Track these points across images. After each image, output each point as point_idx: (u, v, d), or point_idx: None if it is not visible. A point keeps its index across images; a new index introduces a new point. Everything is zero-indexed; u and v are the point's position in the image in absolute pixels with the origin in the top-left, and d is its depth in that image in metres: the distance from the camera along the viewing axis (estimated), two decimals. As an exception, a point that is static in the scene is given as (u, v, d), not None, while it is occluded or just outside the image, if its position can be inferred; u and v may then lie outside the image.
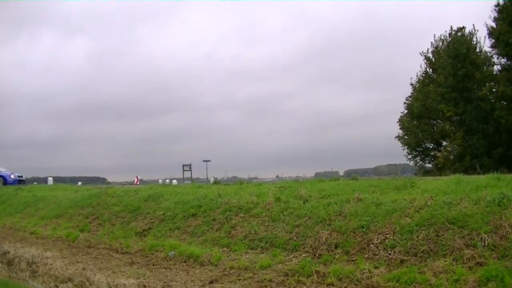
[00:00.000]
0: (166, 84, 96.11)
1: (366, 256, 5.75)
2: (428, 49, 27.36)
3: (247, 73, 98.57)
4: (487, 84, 21.49)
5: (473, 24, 24.16)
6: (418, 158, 27.81)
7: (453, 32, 24.69)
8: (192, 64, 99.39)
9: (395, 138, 27.82)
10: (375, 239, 5.93)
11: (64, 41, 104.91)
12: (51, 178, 31.73)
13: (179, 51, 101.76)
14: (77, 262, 8.33)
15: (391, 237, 5.82)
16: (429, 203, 6.24)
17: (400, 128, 27.83)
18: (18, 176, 25.25)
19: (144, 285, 6.42)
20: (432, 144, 27.39)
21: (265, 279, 5.90)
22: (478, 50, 23.70)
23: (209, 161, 29.61)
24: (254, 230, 7.58)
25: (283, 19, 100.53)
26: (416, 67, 33.60)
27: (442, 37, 26.26)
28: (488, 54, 23.14)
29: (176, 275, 6.80)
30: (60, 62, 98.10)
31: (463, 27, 24.36)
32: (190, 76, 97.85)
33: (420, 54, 27.77)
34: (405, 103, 28.12)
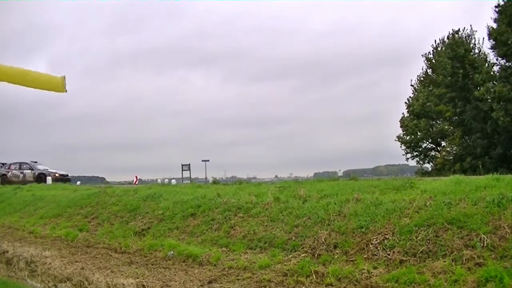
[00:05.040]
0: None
1: (365, 256, 5.75)
2: (429, 51, 27.57)
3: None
4: (485, 85, 21.55)
5: (471, 25, 24.34)
6: (418, 158, 27.88)
7: (452, 34, 24.84)
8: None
9: (396, 137, 27.90)
10: (374, 240, 5.92)
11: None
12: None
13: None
14: (76, 261, 8.32)
15: (390, 238, 5.82)
16: (429, 203, 6.24)
17: (401, 127, 27.93)
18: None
19: (143, 285, 6.42)
20: (431, 145, 27.45)
21: (264, 279, 5.90)
22: (477, 51, 23.84)
23: (208, 160, 29.63)
24: (253, 230, 7.57)
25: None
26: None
27: (443, 39, 26.45)
28: (487, 55, 23.25)
29: (175, 274, 6.79)
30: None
31: (463, 28, 24.52)
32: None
33: (422, 55, 27.97)
34: (405, 103, 28.21)
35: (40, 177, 22.75)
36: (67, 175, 24.60)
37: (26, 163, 24.13)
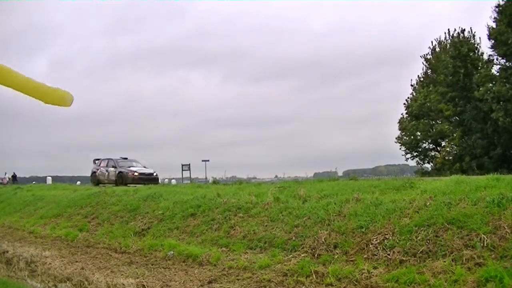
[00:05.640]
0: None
1: (365, 256, 5.75)
2: (428, 52, 27.68)
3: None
4: (485, 85, 21.58)
5: (471, 28, 24.43)
6: (418, 158, 27.90)
7: (454, 34, 24.95)
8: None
9: (395, 139, 27.91)
10: (374, 240, 5.92)
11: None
12: (50, 178, 31.78)
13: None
14: (76, 261, 8.32)
15: (390, 238, 5.82)
16: (429, 203, 6.24)
17: (399, 129, 27.94)
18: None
19: (143, 285, 6.42)
20: (431, 145, 27.46)
21: (264, 279, 5.90)
22: (478, 51, 23.92)
23: (208, 160, 29.59)
24: (253, 230, 7.57)
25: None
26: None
27: (442, 39, 26.57)
28: (488, 55, 23.31)
29: (175, 274, 6.79)
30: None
31: (462, 29, 24.64)
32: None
33: (421, 57, 28.05)
34: (404, 104, 28.23)
35: (121, 177, 18.48)
36: (153, 174, 19.33)
37: (112, 160, 20.07)
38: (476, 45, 23.81)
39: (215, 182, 15.12)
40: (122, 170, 18.86)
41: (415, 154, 27.63)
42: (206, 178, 27.88)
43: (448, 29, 25.59)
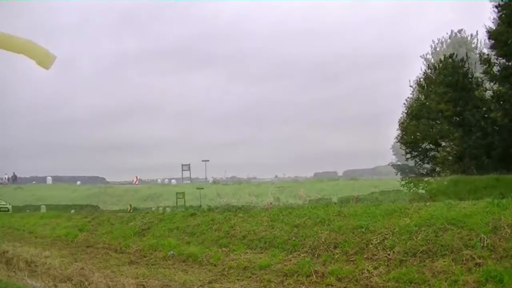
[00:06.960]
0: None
1: (365, 256, 5.75)
2: (428, 52, 27.73)
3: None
4: (484, 84, 21.57)
5: (475, 32, 24.58)
6: (417, 158, 27.89)
7: (454, 34, 25.04)
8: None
9: (394, 139, 27.93)
10: (374, 240, 5.92)
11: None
12: (50, 178, 31.77)
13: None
14: (76, 261, 8.31)
15: (390, 238, 5.82)
16: (428, 203, 6.24)
17: (400, 129, 27.95)
18: None
19: (143, 285, 6.41)
20: (431, 145, 27.47)
21: (264, 279, 5.90)
22: (478, 51, 24.02)
23: (208, 160, 29.46)
24: (253, 230, 7.57)
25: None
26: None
27: (442, 39, 26.63)
28: (487, 55, 23.38)
29: (175, 274, 6.79)
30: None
31: (461, 30, 24.73)
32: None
33: (420, 57, 28.09)
34: (404, 104, 28.26)
35: None
36: None
37: None
38: (475, 45, 23.91)
39: (215, 182, 15.13)
40: None
41: (415, 154, 27.61)
42: (206, 178, 27.87)
43: (452, 30, 25.69)
